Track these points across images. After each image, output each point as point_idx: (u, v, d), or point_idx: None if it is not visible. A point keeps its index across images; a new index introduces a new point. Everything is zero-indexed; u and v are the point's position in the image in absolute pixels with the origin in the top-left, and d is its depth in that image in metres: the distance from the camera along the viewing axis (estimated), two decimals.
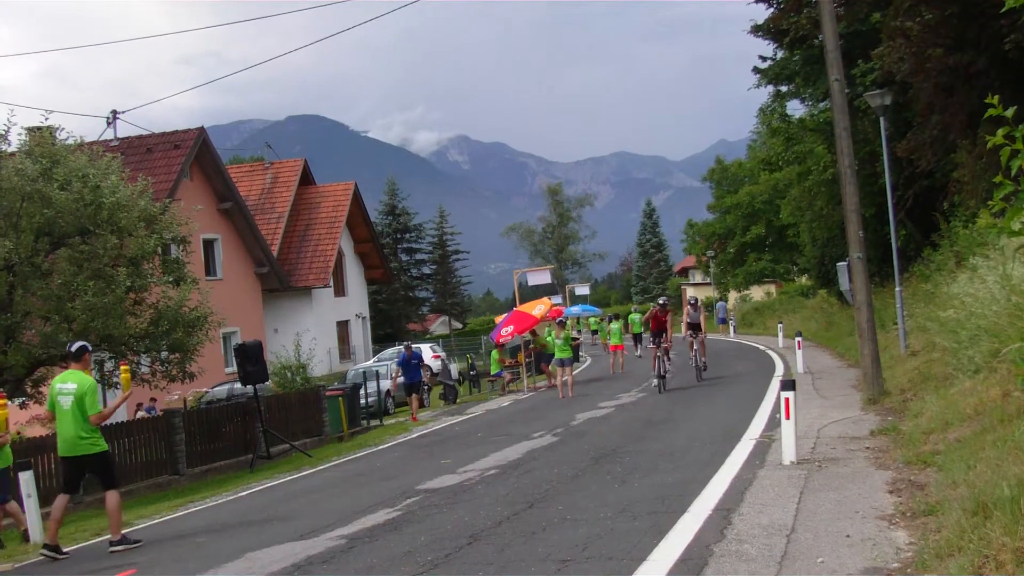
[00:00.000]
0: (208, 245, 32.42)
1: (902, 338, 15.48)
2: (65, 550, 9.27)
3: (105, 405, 10.32)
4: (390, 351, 34.47)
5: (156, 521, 10.97)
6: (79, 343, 9.53)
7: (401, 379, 22.47)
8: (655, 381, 17.87)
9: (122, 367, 10.85)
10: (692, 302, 21.14)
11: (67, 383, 9.16)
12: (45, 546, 9.16)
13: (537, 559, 6.09)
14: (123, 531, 9.37)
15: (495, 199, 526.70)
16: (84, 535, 10.59)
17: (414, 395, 21.60)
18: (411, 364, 21.69)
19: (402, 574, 6.23)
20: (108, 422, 10.81)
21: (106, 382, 17.33)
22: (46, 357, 15.93)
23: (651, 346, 18.73)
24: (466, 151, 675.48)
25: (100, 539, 10.15)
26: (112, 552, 8.92)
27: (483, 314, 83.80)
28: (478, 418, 18.61)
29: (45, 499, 12.53)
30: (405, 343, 22.64)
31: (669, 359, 18.08)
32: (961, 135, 15.77)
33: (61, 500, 9.24)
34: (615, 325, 27.44)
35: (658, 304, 19.15)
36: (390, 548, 7.07)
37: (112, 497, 9.14)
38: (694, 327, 19.74)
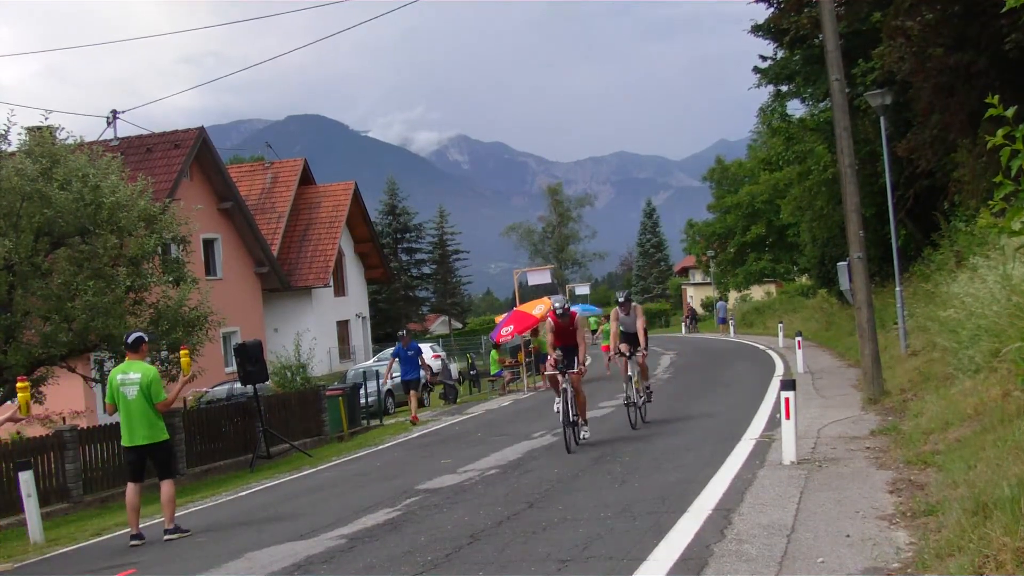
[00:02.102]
0: (208, 245, 32.41)
1: (902, 338, 15.47)
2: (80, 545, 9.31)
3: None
4: (390, 351, 34.36)
5: (156, 521, 10.93)
6: (136, 333, 9.49)
7: (396, 375, 21.60)
8: (562, 429, 11.18)
9: (182, 351, 10.85)
10: (621, 299, 12.92)
11: (129, 373, 9.15)
12: (132, 536, 9.19)
13: (537, 559, 6.09)
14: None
15: (495, 199, 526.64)
16: (84, 535, 10.60)
17: (412, 392, 19.89)
18: (407, 357, 19.68)
19: (402, 574, 6.22)
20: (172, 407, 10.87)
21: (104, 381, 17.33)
22: (46, 357, 15.92)
23: (553, 371, 11.54)
24: (466, 151, 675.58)
25: (100, 539, 10.17)
26: (167, 540, 9.00)
27: (483, 314, 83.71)
28: (478, 418, 18.61)
29: (45, 499, 12.56)
30: (400, 332, 20.48)
31: (582, 419, 11.61)
32: (961, 135, 15.76)
33: (133, 488, 9.25)
34: (606, 325, 27.40)
35: (554, 309, 11.73)
36: (390, 548, 7.07)
37: (168, 487, 9.21)
38: (630, 340, 12.63)
